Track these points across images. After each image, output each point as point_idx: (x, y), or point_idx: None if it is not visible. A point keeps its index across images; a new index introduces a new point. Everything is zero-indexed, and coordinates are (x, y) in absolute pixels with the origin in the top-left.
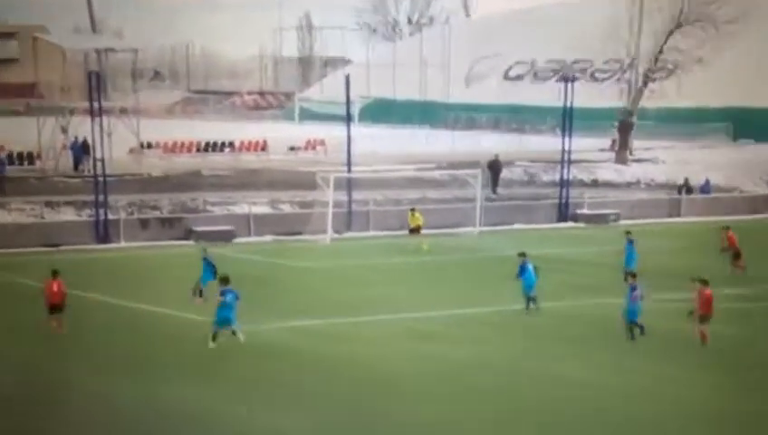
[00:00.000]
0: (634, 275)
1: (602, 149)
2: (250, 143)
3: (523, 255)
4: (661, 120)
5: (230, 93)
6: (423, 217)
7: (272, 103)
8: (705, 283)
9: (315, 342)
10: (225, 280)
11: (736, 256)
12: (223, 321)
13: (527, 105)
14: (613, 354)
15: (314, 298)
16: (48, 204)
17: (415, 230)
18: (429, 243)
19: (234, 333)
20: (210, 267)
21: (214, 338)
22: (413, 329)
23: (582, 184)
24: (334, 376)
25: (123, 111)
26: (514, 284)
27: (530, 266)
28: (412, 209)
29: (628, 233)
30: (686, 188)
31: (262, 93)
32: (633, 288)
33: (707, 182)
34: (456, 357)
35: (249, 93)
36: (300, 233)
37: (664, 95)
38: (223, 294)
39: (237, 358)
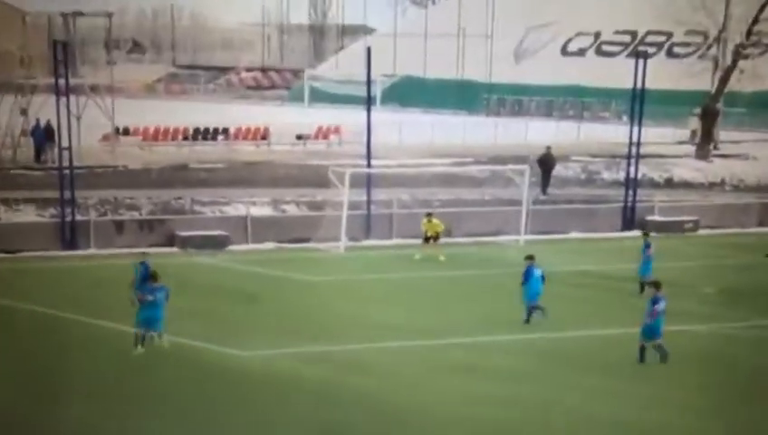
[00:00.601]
0: (658, 286)
1: (680, 142)
2: (248, 130)
3: (530, 258)
4: (754, 106)
5: (225, 69)
6: (443, 223)
7: (276, 82)
8: None
9: (325, 372)
10: (154, 276)
11: None
12: (148, 321)
13: (589, 87)
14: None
15: (324, 319)
16: (4, 201)
17: (432, 238)
18: (461, 254)
19: (159, 336)
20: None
21: (142, 343)
22: (443, 358)
23: (654, 184)
24: (349, 412)
25: (95, 90)
26: (561, 306)
27: (536, 272)
28: (428, 214)
29: (645, 235)
30: None
31: (264, 70)
32: (655, 301)
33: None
34: (497, 395)
35: (248, 70)
36: (308, 240)
37: (758, 76)
38: (151, 292)
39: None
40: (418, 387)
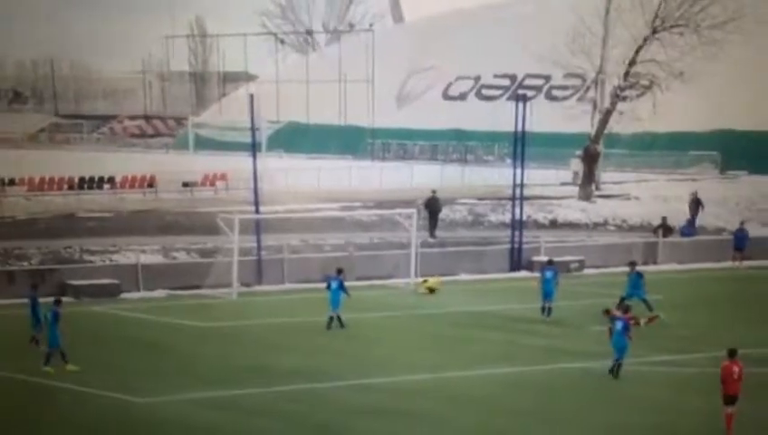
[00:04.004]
0: (627, 309)
1: (563, 183)
2: (135, 179)
3: (550, 263)
4: (634, 147)
5: (108, 118)
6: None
7: (160, 130)
8: (733, 354)
9: (217, 417)
10: (58, 302)
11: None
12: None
13: (471, 130)
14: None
15: (218, 365)
16: None
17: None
18: (355, 297)
19: (62, 356)
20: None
21: (47, 361)
22: (346, 402)
23: (539, 225)
24: None
25: None
26: (462, 349)
27: (547, 274)
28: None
29: (632, 264)
30: (665, 229)
31: (147, 118)
32: (625, 324)
33: (690, 223)
34: None
35: (131, 118)
36: (199, 287)
37: (637, 118)
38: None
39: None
40: (322, 431)
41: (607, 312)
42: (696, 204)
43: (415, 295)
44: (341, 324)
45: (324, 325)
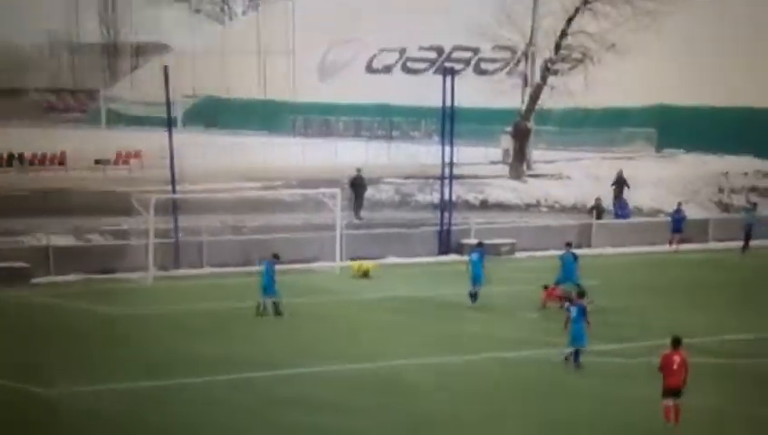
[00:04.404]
0: (582, 294)
1: (493, 162)
2: (44, 156)
3: (479, 245)
4: (566, 124)
5: (14, 91)
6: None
7: (70, 104)
8: (676, 343)
9: (124, 408)
10: None
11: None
12: None
13: (397, 105)
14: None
15: (129, 354)
16: None
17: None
18: (281, 283)
19: None
20: None
21: None
22: (260, 392)
23: (469, 206)
24: None
25: None
26: (393, 337)
27: (474, 257)
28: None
29: (568, 245)
30: (599, 211)
31: (56, 91)
32: (581, 310)
33: (625, 204)
34: (325, 427)
35: (39, 91)
36: (114, 271)
37: (569, 92)
38: None
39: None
40: (232, 422)
41: (545, 287)
42: (620, 183)
43: (341, 280)
44: (278, 311)
45: (252, 311)
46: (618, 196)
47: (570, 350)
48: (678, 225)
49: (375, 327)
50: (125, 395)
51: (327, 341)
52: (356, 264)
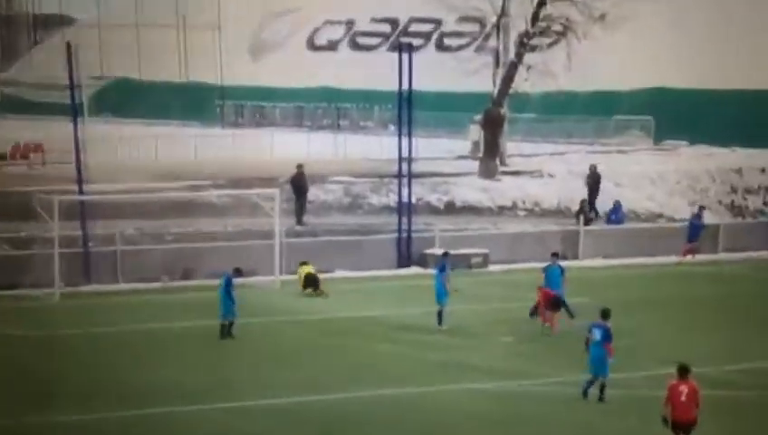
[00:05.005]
0: (606, 314)
1: (460, 157)
2: None
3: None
4: (547, 111)
5: None
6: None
7: None
8: (684, 372)
9: None
10: None
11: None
12: None
13: (345, 89)
14: None
15: (28, 384)
16: None
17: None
18: (205, 299)
19: None
20: None
21: None
22: (169, 428)
23: (432, 210)
24: None
25: None
26: (340, 364)
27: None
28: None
29: (554, 255)
30: (586, 215)
31: None
32: (605, 332)
33: (618, 207)
34: None
35: None
36: (15, 286)
37: (549, 73)
38: None
39: None
40: None
41: (536, 309)
42: (594, 181)
43: (282, 296)
44: (228, 333)
45: (176, 333)
46: (591, 196)
47: (587, 382)
48: (697, 233)
49: (320, 353)
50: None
51: (261, 369)
52: (302, 270)
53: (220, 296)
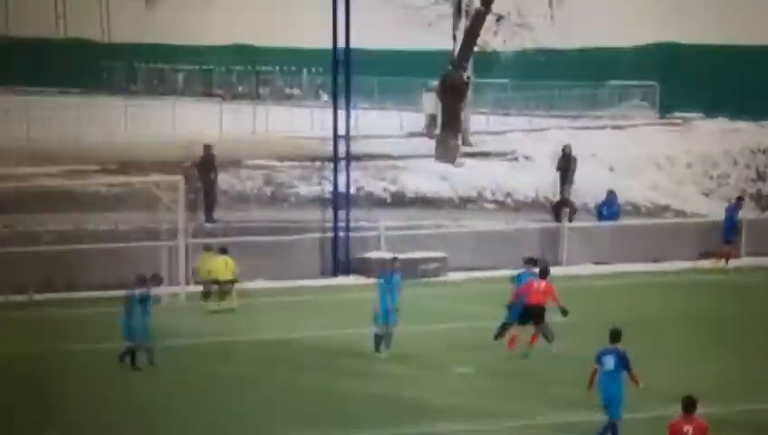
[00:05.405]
0: (617, 335)
1: (412, 134)
2: None
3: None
4: (523, 75)
5: None
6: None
7: None
8: (689, 407)
9: None
10: None
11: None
12: None
13: (264, 47)
14: None
15: None
16: None
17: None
18: (81, 317)
19: None
20: None
21: None
22: None
23: (376, 202)
24: None
25: None
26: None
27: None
28: (223, 250)
29: (530, 262)
30: (571, 208)
31: None
32: (620, 358)
33: (613, 199)
34: None
35: None
36: None
37: (526, 26)
38: None
39: None
40: None
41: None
42: (567, 166)
43: (188, 313)
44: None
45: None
46: (564, 184)
47: (604, 427)
48: (733, 229)
49: (230, 388)
50: None
51: (150, 412)
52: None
53: (130, 314)
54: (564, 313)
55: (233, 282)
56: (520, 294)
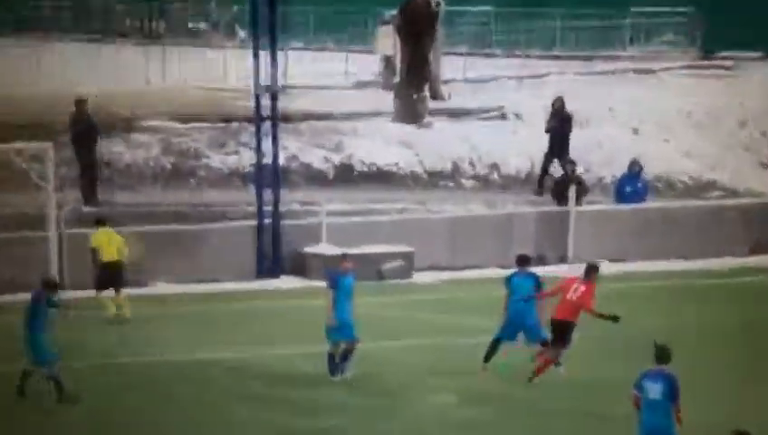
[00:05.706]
0: (664, 355)
1: (362, 84)
2: None
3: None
4: (511, 2)
5: None
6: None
7: None
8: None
9: None
10: None
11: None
12: None
13: None
14: None
15: None
16: None
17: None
18: None
19: None
20: None
21: None
22: None
23: (315, 177)
24: None
25: None
26: None
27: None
28: (100, 222)
29: (522, 261)
30: (579, 183)
31: None
32: (670, 385)
33: (636, 171)
34: None
35: None
36: None
37: None
38: None
39: None
40: None
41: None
42: (560, 126)
43: (68, 322)
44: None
45: None
46: (555, 154)
47: None
48: None
49: (119, 426)
50: None
51: None
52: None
53: (31, 329)
54: (615, 319)
55: (120, 266)
56: (556, 293)
